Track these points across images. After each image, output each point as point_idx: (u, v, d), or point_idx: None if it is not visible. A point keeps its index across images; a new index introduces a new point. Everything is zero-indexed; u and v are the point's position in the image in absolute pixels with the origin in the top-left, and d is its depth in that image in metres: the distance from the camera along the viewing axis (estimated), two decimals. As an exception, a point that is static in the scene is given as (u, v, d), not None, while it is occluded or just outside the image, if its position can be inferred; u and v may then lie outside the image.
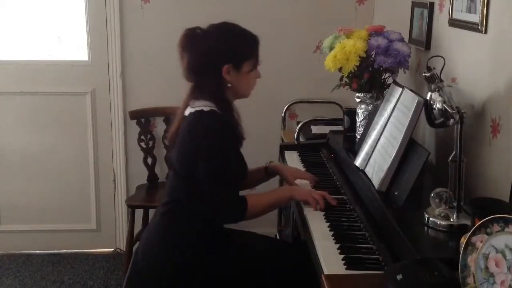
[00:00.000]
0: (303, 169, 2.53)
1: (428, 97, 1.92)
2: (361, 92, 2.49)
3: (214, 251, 2.09)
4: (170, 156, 2.18)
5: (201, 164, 2.02)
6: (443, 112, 1.84)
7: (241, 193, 2.15)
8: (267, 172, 2.42)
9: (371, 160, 2.14)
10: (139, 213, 3.30)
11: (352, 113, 2.64)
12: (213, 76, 2.08)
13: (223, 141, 2.05)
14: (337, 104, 3.51)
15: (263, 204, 2.15)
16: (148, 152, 3.48)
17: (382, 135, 2.14)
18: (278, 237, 3.40)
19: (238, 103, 3.55)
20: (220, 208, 2.07)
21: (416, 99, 1.98)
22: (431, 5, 2.47)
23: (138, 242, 2.34)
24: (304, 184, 2.32)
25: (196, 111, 2.06)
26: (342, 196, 2.21)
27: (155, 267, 2.07)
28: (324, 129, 3.00)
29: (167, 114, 3.38)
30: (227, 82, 2.09)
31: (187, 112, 2.10)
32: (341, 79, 2.52)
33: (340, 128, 2.86)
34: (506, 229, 1.31)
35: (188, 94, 2.14)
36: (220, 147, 2.04)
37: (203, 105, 2.06)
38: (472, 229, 1.36)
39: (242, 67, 2.10)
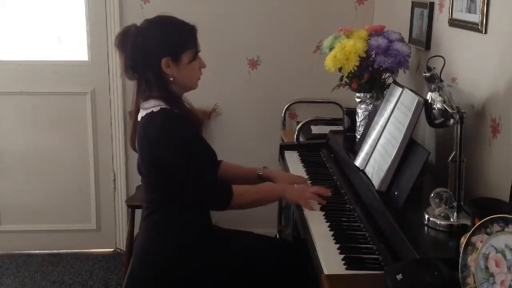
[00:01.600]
0: (303, 169, 2.53)
1: (428, 97, 1.92)
2: (361, 92, 2.49)
3: (209, 252, 2.08)
4: (137, 161, 2.15)
5: (169, 165, 2.01)
6: (443, 112, 1.84)
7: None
8: (261, 178, 2.40)
9: (371, 160, 2.14)
10: (139, 213, 3.27)
11: (352, 113, 2.64)
12: (153, 71, 2.04)
13: (181, 135, 2.02)
14: (337, 104, 3.51)
15: (250, 196, 2.14)
16: (148, 152, 3.48)
17: (382, 135, 2.14)
18: (278, 237, 3.39)
19: (237, 104, 3.58)
20: (205, 195, 2.06)
21: (416, 99, 1.98)
22: (431, 5, 2.47)
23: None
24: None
25: (147, 114, 2.04)
26: (342, 196, 2.21)
27: (150, 266, 2.07)
28: (324, 129, 2.99)
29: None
30: (169, 76, 2.05)
31: (139, 116, 2.09)
32: (341, 79, 2.52)
33: (340, 128, 2.86)
34: (506, 229, 1.31)
35: (135, 94, 2.12)
36: (180, 142, 2.02)
37: (153, 106, 2.03)
38: (472, 229, 1.36)
39: (181, 59, 2.05)
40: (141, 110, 2.08)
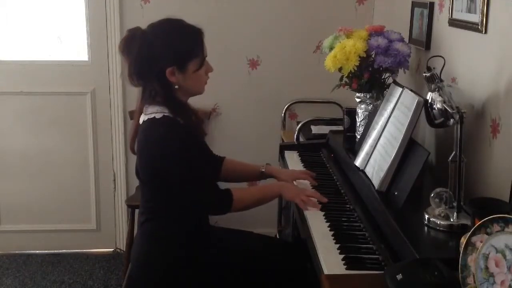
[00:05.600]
0: (303, 169, 2.53)
1: (428, 97, 1.92)
2: (361, 92, 2.49)
3: (208, 253, 2.08)
4: (135, 165, 2.12)
5: (168, 174, 1.98)
6: (443, 112, 1.84)
7: (228, 186, 2.14)
8: (263, 175, 2.40)
9: (371, 160, 2.14)
10: (139, 213, 3.30)
11: (352, 113, 2.64)
12: (158, 80, 2.00)
13: (180, 145, 1.97)
14: (337, 104, 3.51)
15: (250, 198, 2.14)
16: (148, 152, 3.48)
17: (382, 135, 2.14)
18: (278, 237, 3.39)
19: (237, 104, 3.58)
20: (205, 202, 2.05)
21: (416, 99, 1.98)
22: (431, 5, 2.47)
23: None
24: (304, 184, 2.32)
25: (149, 119, 2.00)
26: (342, 196, 2.21)
27: (149, 271, 2.06)
28: (324, 129, 2.99)
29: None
30: (174, 84, 2.01)
31: (141, 119, 2.06)
32: (341, 79, 2.52)
33: (340, 128, 2.86)
34: (506, 229, 1.31)
35: (140, 98, 2.08)
36: (179, 151, 1.97)
37: (155, 112, 2.00)
38: (472, 229, 1.36)
39: (187, 68, 2.01)
40: (143, 114, 2.05)
